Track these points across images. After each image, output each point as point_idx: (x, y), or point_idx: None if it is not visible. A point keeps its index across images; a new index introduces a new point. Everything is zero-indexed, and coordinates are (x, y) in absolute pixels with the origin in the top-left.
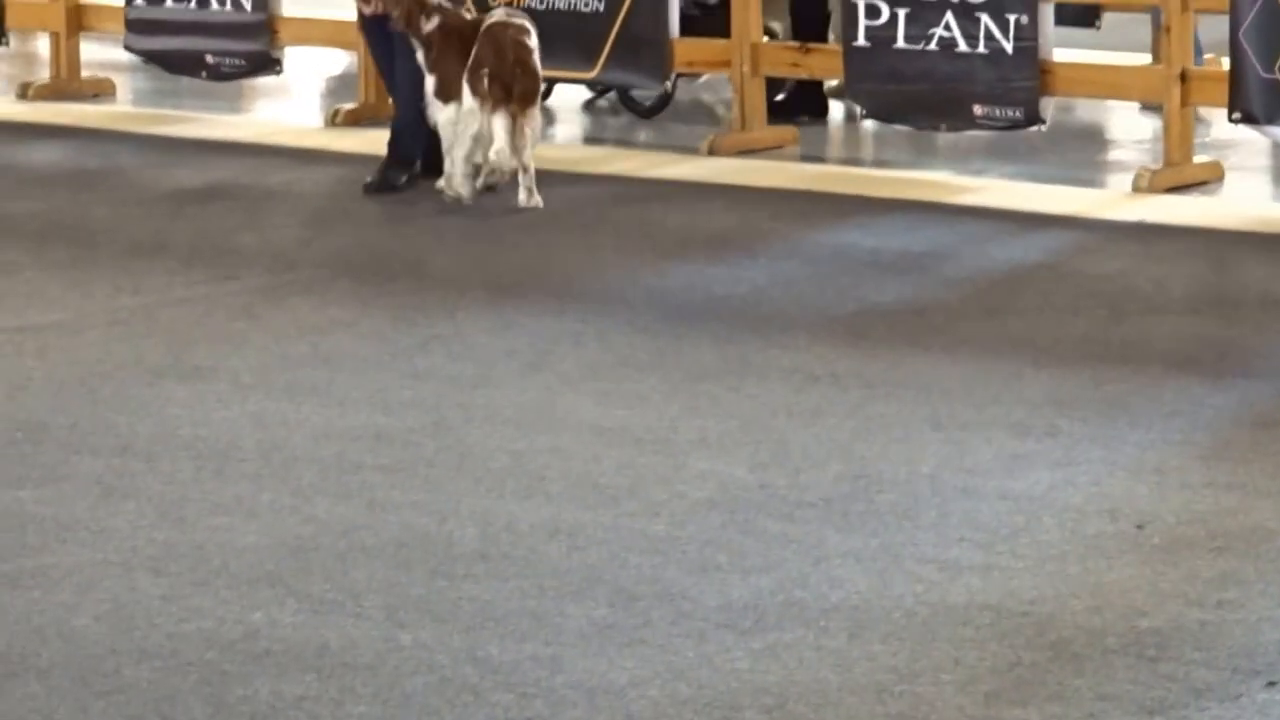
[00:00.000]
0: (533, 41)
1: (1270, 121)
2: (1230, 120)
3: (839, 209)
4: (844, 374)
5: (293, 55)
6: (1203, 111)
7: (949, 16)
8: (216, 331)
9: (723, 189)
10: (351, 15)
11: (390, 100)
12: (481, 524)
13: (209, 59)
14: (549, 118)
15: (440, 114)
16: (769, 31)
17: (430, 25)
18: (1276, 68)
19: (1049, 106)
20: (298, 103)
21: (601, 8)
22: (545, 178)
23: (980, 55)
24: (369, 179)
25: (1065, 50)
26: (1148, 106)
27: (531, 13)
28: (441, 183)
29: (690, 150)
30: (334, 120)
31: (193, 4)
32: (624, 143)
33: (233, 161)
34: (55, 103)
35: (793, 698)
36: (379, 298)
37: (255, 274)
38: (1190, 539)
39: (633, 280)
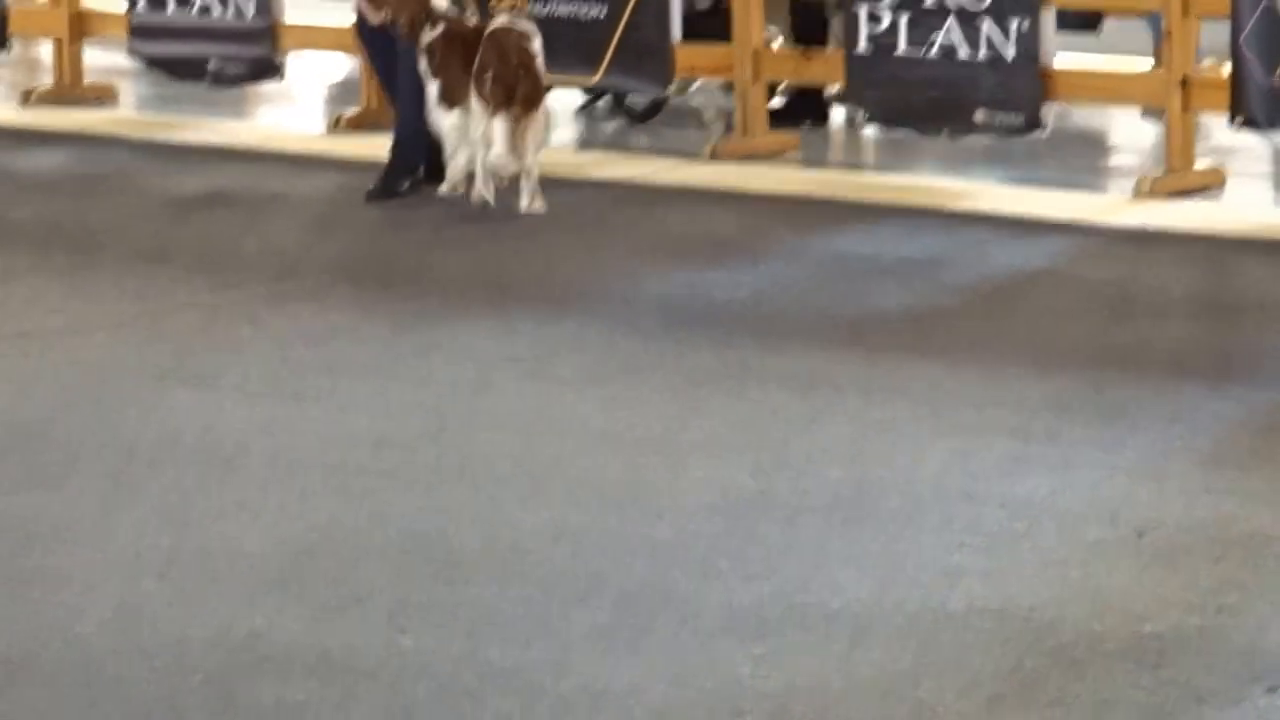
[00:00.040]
0: (536, 46)
1: (1271, 126)
2: (1232, 126)
3: (840, 214)
4: (845, 379)
5: (295, 61)
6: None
7: (950, 22)
8: (219, 337)
9: (724, 194)
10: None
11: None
12: (484, 528)
13: (212, 65)
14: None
15: (444, 120)
16: None
17: (434, 32)
18: (1278, 73)
19: (1050, 112)
20: (300, 109)
21: (603, 13)
22: (546, 182)
23: (982, 61)
24: (371, 185)
25: (1066, 56)
26: (1149, 112)
27: (534, 18)
28: (444, 188)
29: (692, 155)
30: (336, 126)
31: (195, 10)
32: (621, 147)
33: (235, 167)
34: (58, 108)
35: (795, 702)
36: (381, 303)
37: (258, 280)
38: (1191, 544)
39: (635, 285)
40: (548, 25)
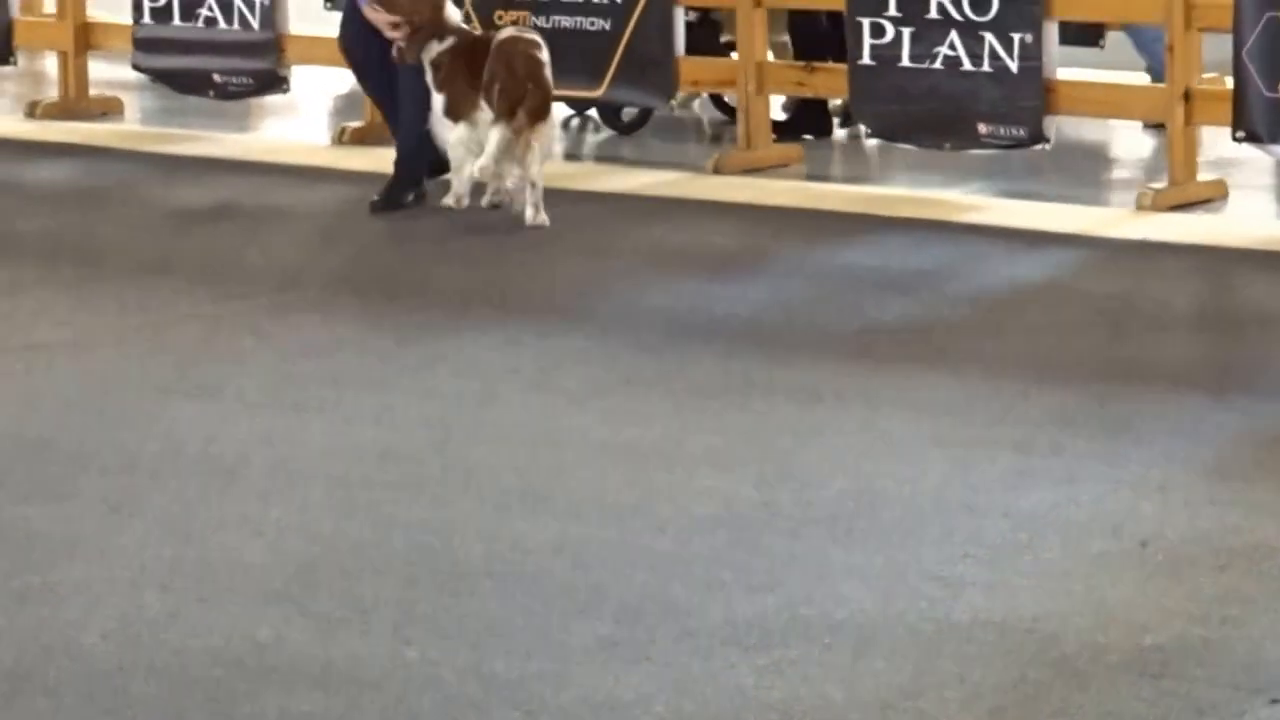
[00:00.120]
0: (544, 56)
1: (1274, 140)
2: (1234, 139)
3: (843, 227)
4: (848, 391)
5: (300, 74)
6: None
7: (954, 35)
8: (223, 349)
9: (728, 207)
10: None
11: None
12: (487, 541)
13: (216, 78)
14: None
15: (450, 134)
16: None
17: (441, 46)
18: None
19: (1053, 125)
20: (305, 121)
21: (607, 26)
22: (548, 195)
23: (985, 74)
24: (375, 197)
25: (1069, 69)
26: (1150, 125)
27: (538, 31)
28: (449, 200)
29: (696, 168)
30: (341, 139)
31: (200, 23)
32: (616, 160)
33: (240, 180)
34: (63, 121)
35: (798, 714)
36: (385, 316)
37: (262, 292)
38: (1194, 556)
39: (639, 298)
40: (552, 38)
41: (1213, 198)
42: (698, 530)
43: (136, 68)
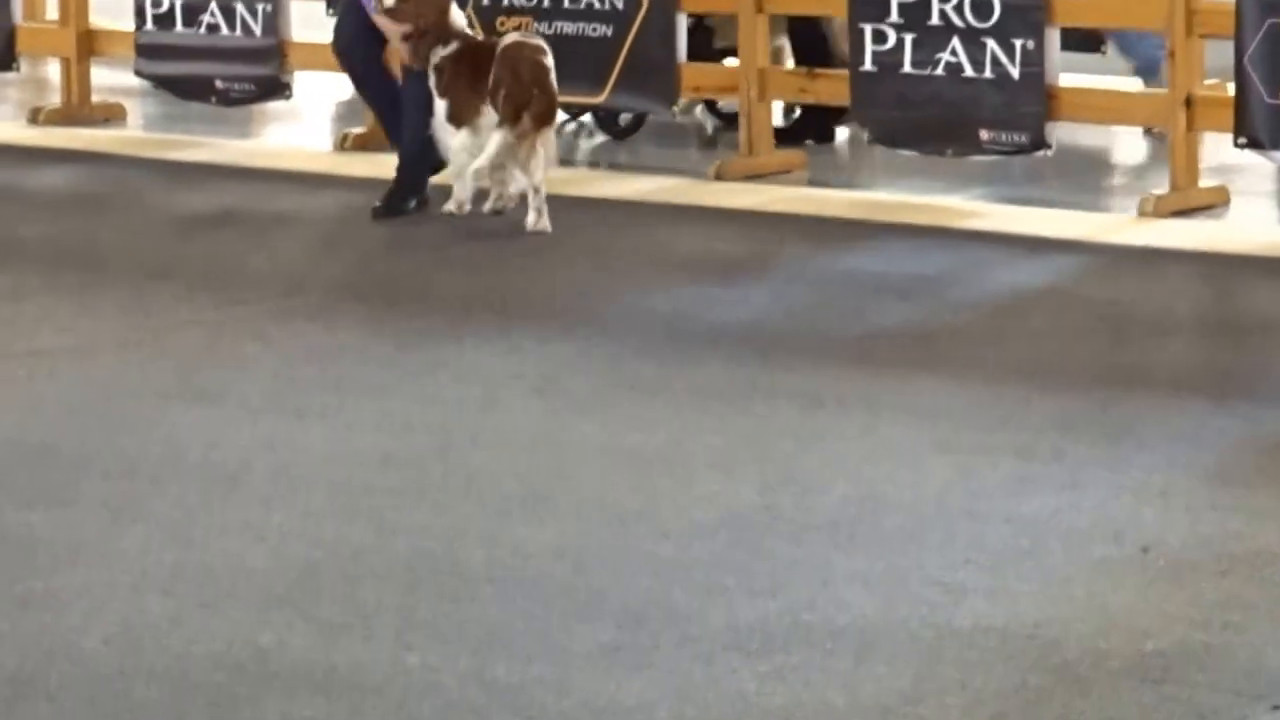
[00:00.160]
0: (549, 61)
1: (1275, 146)
2: (1236, 145)
3: (845, 233)
4: (850, 397)
5: (302, 80)
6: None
7: (955, 42)
8: (225, 355)
9: (730, 213)
10: None
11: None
12: (489, 546)
13: (219, 84)
14: None
15: (453, 140)
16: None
17: (445, 51)
18: None
19: (1055, 131)
20: (307, 127)
21: (609, 32)
22: (550, 201)
23: (987, 80)
24: (377, 203)
25: (1071, 75)
26: (1149, 131)
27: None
28: (450, 206)
29: (696, 174)
30: (343, 145)
31: (203, 29)
32: (621, 166)
33: (242, 186)
34: (66, 127)
35: (799, 719)
36: (387, 321)
37: (264, 298)
38: (1195, 562)
39: (640, 303)
40: (554, 44)
41: (1214, 204)
42: (700, 535)
43: (139, 74)
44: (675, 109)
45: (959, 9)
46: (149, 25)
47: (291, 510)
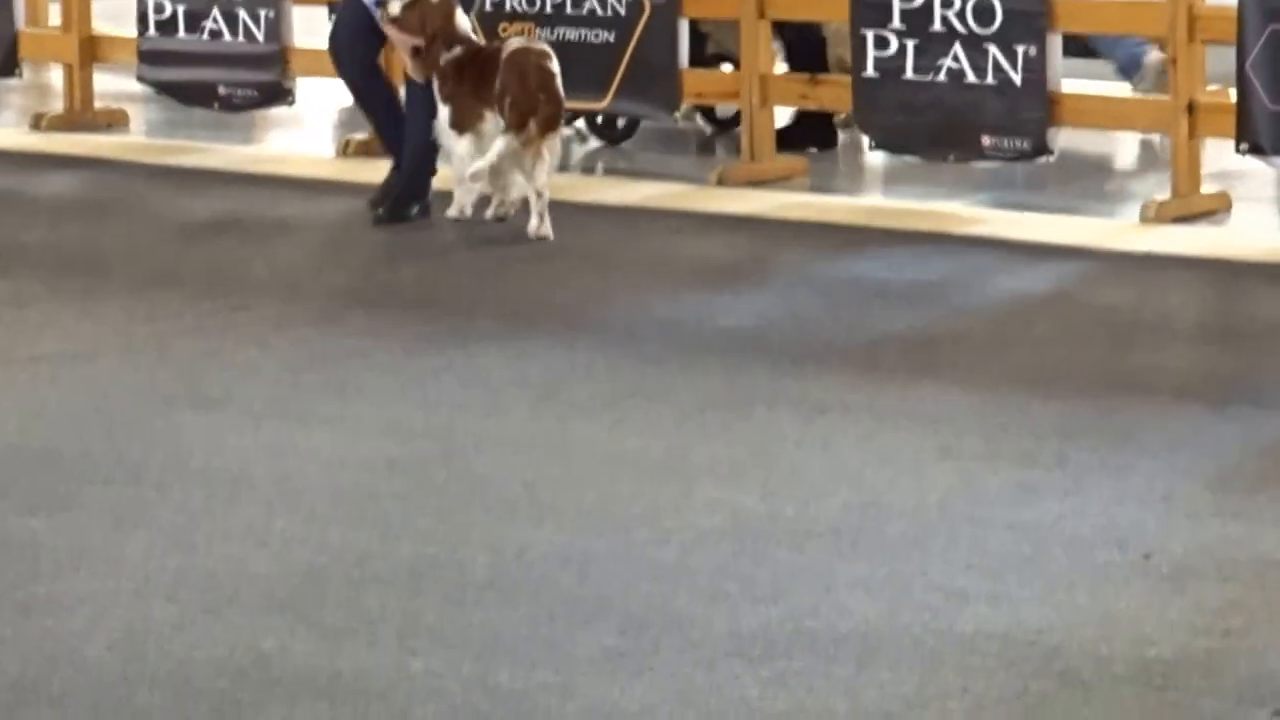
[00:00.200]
0: (555, 67)
1: (1278, 153)
2: (1238, 151)
3: (848, 240)
4: (853, 403)
5: (305, 86)
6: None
7: (957, 48)
8: (228, 361)
9: (732, 219)
10: None
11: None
12: (493, 552)
13: (221, 90)
14: None
15: (456, 145)
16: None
17: (449, 55)
18: None
19: (1057, 137)
20: (310, 133)
21: (611, 38)
22: (551, 207)
23: (989, 86)
24: (380, 209)
25: (1073, 81)
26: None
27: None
28: (452, 212)
29: (696, 180)
30: (346, 151)
31: (205, 35)
32: (622, 172)
33: (245, 192)
34: (69, 133)
35: None
36: (390, 327)
37: (267, 303)
38: (1197, 568)
39: (643, 309)
40: (556, 50)
41: (1216, 210)
42: (703, 541)
43: (141, 80)
44: (677, 115)
45: (961, 15)
46: (151, 31)
47: (295, 515)
